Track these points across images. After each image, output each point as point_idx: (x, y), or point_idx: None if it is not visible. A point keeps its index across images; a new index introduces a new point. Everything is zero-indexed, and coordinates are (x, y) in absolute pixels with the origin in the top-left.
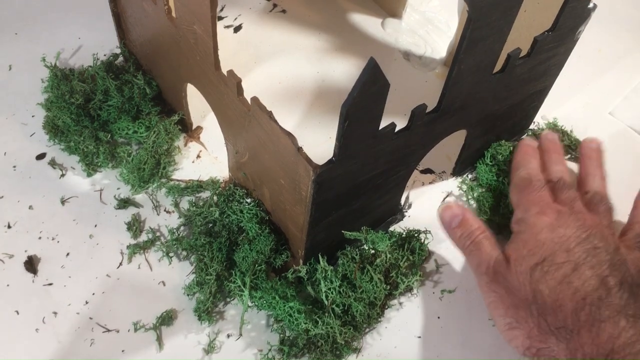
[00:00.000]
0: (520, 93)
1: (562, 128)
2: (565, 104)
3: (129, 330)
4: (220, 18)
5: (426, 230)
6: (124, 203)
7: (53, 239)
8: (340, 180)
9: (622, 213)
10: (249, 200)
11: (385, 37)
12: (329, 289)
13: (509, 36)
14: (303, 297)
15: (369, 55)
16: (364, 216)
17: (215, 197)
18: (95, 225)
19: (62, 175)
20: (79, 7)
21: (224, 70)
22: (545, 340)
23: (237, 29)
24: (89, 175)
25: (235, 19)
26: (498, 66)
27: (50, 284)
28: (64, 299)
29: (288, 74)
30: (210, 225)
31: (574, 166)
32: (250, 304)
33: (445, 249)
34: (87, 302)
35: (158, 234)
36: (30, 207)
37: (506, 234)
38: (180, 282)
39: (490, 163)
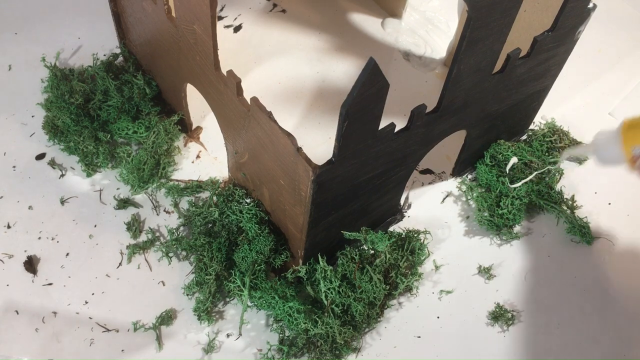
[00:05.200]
0: (520, 93)
1: (561, 128)
2: (565, 104)
3: (128, 330)
4: (220, 18)
5: (426, 231)
6: (123, 203)
7: (53, 239)
8: (339, 180)
9: (622, 213)
10: (248, 201)
11: (385, 37)
12: (329, 289)
13: (509, 36)
14: (302, 297)
15: (369, 55)
16: (364, 216)
17: (214, 198)
18: (95, 226)
19: (62, 175)
20: (79, 7)
21: (224, 70)
22: None
23: (237, 29)
24: (89, 175)
25: (235, 19)
26: (498, 66)
27: (50, 284)
28: (64, 298)
29: (288, 74)
30: (210, 225)
31: (572, 166)
32: (249, 303)
33: (445, 249)
34: (86, 302)
35: (158, 234)
36: (30, 207)
37: (506, 234)
38: (180, 282)
39: (489, 163)
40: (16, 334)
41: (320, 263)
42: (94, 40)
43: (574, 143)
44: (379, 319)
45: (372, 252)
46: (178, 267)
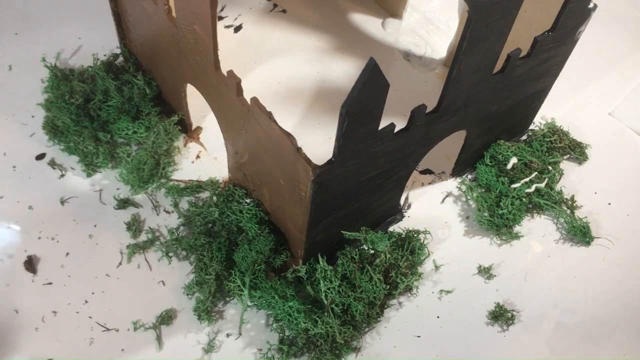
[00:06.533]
0: (520, 93)
1: (561, 128)
2: (565, 104)
3: (128, 330)
4: (220, 18)
5: (425, 231)
6: (123, 203)
7: (53, 239)
8: (339, 180)
9: (623, 213)
10: (248, 201)
11: (385, 37)
12: (329, 288)
13: (509, 36)
14: (302, 297)
15: (369, 55)
16: (364, 216)
17: (214, 198)
18: (95, 225)
19: (62, 175)
20: (79, 7)
21: (224, 70)
22: None
23: (237, 29)
24: (89, 175)
25: (235, 19)
26: (498, 66)
27: (50, 284)
28: (64, 298)
29: (288, 74)
30: (210, 225)
31: (572, 166)
32: (249, 303)
33: (445, 249)
34: (86, 302)
35: (157, 234)
36: (30, 207)
37: (506, 234)
38: (180, 281)
39: (489, 163)
40: (16, 333)
41: (320, 263)
42: (94, 40)
43: (574, 143)
44: (379, 319)
45: (372, 252)
46: (178, 267)
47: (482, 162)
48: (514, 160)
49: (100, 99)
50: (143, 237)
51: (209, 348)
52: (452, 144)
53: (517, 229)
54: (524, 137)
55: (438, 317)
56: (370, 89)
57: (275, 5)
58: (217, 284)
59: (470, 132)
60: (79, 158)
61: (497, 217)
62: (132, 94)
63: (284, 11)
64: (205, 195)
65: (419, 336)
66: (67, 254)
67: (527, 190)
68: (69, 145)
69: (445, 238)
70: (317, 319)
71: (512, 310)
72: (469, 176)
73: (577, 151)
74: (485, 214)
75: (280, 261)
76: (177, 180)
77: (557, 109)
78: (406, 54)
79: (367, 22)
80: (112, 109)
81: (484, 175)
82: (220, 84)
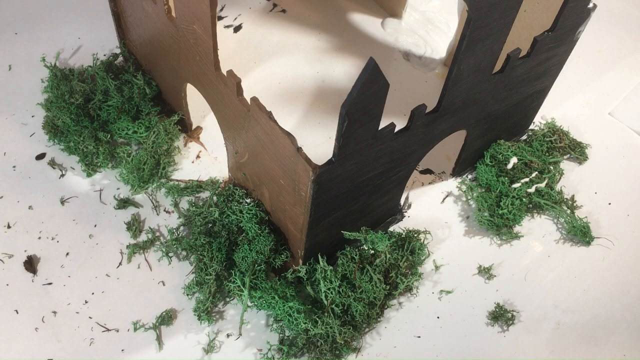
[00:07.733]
0: (520, 93)
1: (561, 128)
2: (565, 104)
3: (128, 330)
4: (220, 18)
5: (426, 231)
6: (123, 203)
7: (53, 239)
8: (339, 180)
9: (623, 213)
10: (248, 201)
11: (385, 37)
12: (329, 289)
13: (509, 36)
14: (302, 297)
15: (369, 55)
16: (364, 216)
17: (214, 197)
18: (95, 225)
19: (62, 175)
20: (79, 7)
21: (224, 70)
22: None
23: (237, 29)
24: (89, 175)
25: (235, 18)
26: (498, 66)
27: (50, 284)
28: (64, 298)
29: (288, 74)
30: (210, 225)
31: (572, 166)
32: (249, 303)
33: (445, 250)
34: (86, 302)
35: (158, 234)
36: (30, 207)
37: (506, 234)
38: (180, 282)
39: (490, 163)
40: (16, 333)
41: (320, 263)
42: (94, 40)
43: (574, 143)
44: (379, 319)
45: (372, 252)
46: (178, 267)
47: (482, 162)
48: (514, 160)
49: (100, 98)
50: (143, 237)
51: (209, 348)
52: (452, 144)
53: (517, 229)
54: (524, 137)
55: (438, 317)
56: (370, 89)
57: (275, 5)
58: (217, 284)
59: (470, 132)
60: (79, 158)
61: (497, 217)
62: (132, 94)
63: (283, 11)
64: (205, 195)
65: (419, 336)
66: (67, 254)
67: (528, 190)
68: (69, 145)
69: (445, 238)
70: (317, 319)
71: (512, 311)
72: (469, 176)
73: (577, 151)
74: (486, 214)
75: (280, 261)
76: (177, 180)
77: (557, 109)
78: (406, 54)
79: (367, 22)
80: (112, 108)
81: (484, 175)
82: (220, 83)
